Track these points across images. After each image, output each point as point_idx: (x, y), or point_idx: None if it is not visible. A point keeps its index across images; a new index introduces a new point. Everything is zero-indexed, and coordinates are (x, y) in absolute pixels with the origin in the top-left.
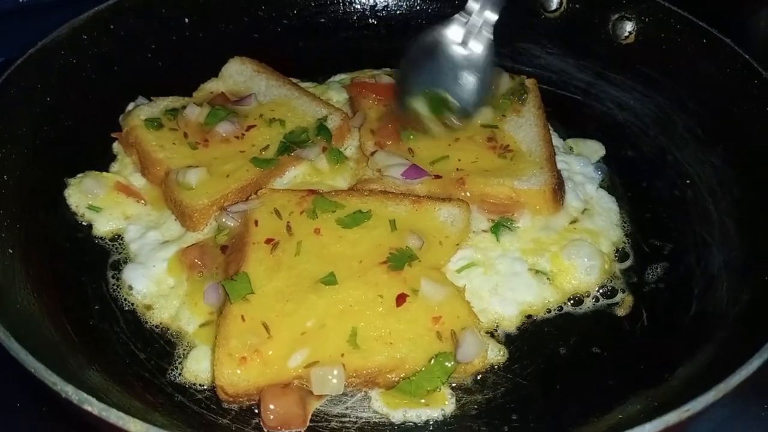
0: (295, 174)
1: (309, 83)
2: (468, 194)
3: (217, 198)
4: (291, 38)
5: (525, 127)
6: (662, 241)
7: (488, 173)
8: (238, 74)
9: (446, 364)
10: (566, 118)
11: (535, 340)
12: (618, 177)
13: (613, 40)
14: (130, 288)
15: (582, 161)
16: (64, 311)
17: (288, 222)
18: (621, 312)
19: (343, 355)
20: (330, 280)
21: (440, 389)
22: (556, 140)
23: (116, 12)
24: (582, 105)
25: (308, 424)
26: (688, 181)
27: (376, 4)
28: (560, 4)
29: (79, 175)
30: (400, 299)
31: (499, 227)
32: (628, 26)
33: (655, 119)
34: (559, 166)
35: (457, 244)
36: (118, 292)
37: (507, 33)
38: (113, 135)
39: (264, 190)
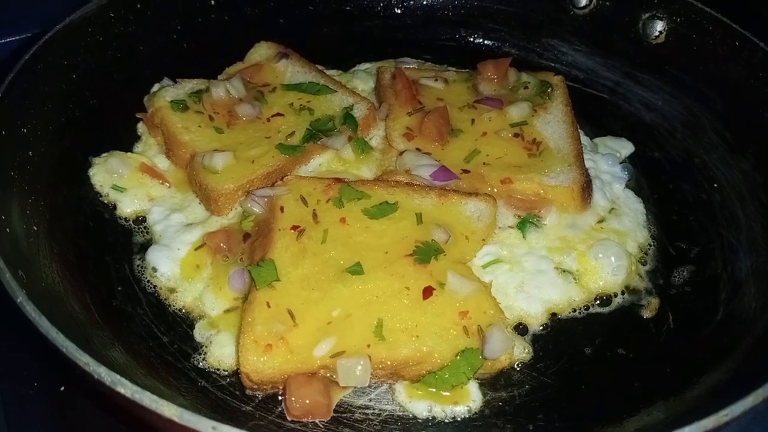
0: (320, 162)
1: (334, 71)
2: (495, 189)
3: (243, 183)
4: (316, 24)
5: (553, 123)
6: (689, 245)
7: (516, 169)
8: (264, 59)
9: (473, 359)
10: (593, 116)
11: (560, 339)
12: (645, 178)
13: (643, 40)
14: (154, 270)
15: (609, 160)
16: (88, 291)
17: (314, 209)
18: (647, 314)
19: (369, 345)
20: (356, 269)
21: (466, 385)
22: (583, 138)
23: None
24: (609, 104)
25: (332, 414)
26: (715, 185)
27: None
28: (590, 1)
29: (104, 155)
30: (427, 292)
31: (525, 224)
32: (659, 26)
33: (684, 121)
34: (587, 164)
35: (484, 240)
36: (142, 274)
37: (535, 28)
38: (138, 115)
39: (290, 176)
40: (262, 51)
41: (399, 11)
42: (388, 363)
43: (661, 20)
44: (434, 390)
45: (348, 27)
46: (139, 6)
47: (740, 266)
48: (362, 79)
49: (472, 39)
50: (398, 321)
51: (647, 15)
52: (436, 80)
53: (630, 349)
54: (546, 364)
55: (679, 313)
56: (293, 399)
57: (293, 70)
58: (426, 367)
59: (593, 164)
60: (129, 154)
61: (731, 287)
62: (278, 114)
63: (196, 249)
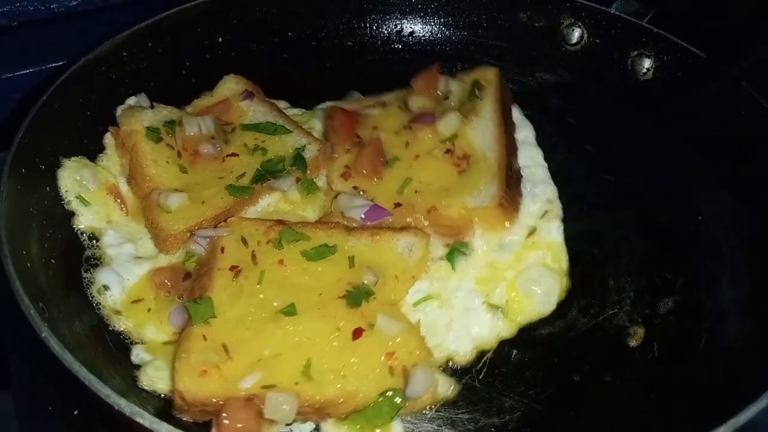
0: (268, 202)
1: (297, 110)
2: (424, 221)
3: (192, 225)
4: (318, 59)
5: (481, 128)
6: (674, 275)
7: (444, 193)
8: (232, 93)
9: (395, 400)
10: (581, 147)
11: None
12: (633, 209)
13: (631, 76)
14: (105, 288)
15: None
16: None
17: (253, 251)
18: (633, 342)
19: (297, 383)
20: (289, 311)
21: (389, 424)
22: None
23: (155, 30)
24: (598, 135)
25: None
26: (700, 217)
27: (402, 29)
28: (581, 38)
29: (75, 159)
30: (357, 333)
31: (453, 253)
32: (647, 63)
33: (669, 153)
34: (522, 163)
35: (414, 277)
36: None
37: (529, 63)
38: (110, 129)
39: (233, 218)
40: (230, 85)
41: (398, 46)
42: (315, 401)
43: (649, 58)
44: (359, 428)
45: (349, 61)
46: (150, 44)
47: (722, 296)
48: (320, 119)
49: None
50: (326, 361)
51: (636, 53)
52: (374, 107)
53: (617, 376)
54: (536, 392)
55: (664, 341)
56: (227, 423)
57: (255, 110)
58: (351, 406)
59: (531, 161)
60: (101, 169)
61: (714, 317)
62: (233, 154)
63: (132, 303)
